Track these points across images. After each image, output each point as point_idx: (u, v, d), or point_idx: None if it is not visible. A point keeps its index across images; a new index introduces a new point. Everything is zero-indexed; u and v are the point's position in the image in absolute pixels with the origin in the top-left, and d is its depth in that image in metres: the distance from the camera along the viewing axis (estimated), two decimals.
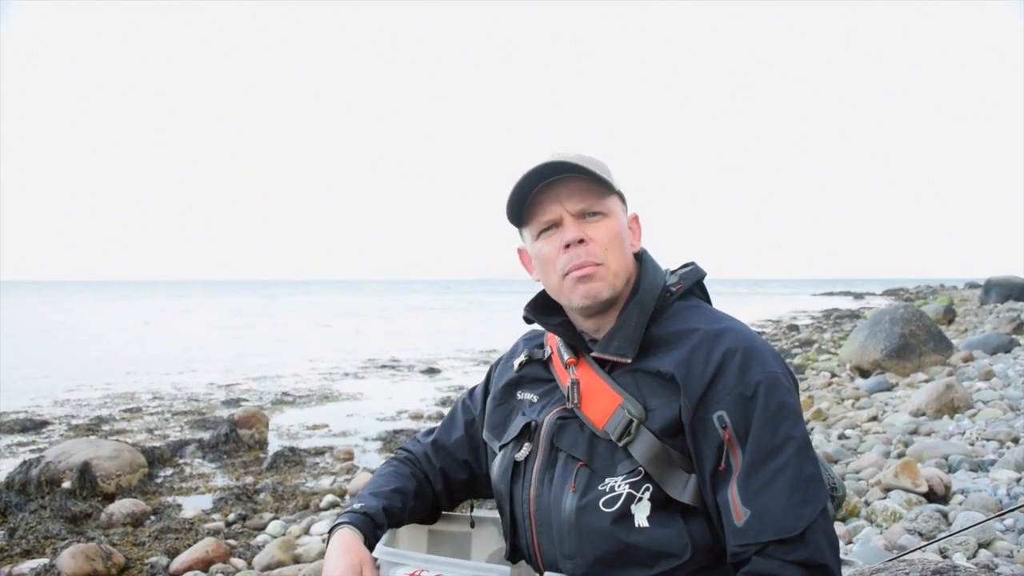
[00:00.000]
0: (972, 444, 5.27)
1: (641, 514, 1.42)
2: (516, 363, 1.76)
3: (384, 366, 16.45)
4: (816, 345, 16.71)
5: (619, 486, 1.43)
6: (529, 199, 1.56)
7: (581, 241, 1.51)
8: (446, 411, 10.47)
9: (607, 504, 1.43)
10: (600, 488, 1.45)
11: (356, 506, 1.65)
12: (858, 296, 58.65)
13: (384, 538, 1.63)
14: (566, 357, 1.62)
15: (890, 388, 8.54)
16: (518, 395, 1.72)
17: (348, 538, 1.54)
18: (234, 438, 8.03)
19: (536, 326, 1.73)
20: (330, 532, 1.60)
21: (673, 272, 1.68)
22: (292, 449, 7.77)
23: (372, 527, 1.61)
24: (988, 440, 5.32)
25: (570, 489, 1.48)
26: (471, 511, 1.93)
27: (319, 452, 7.94)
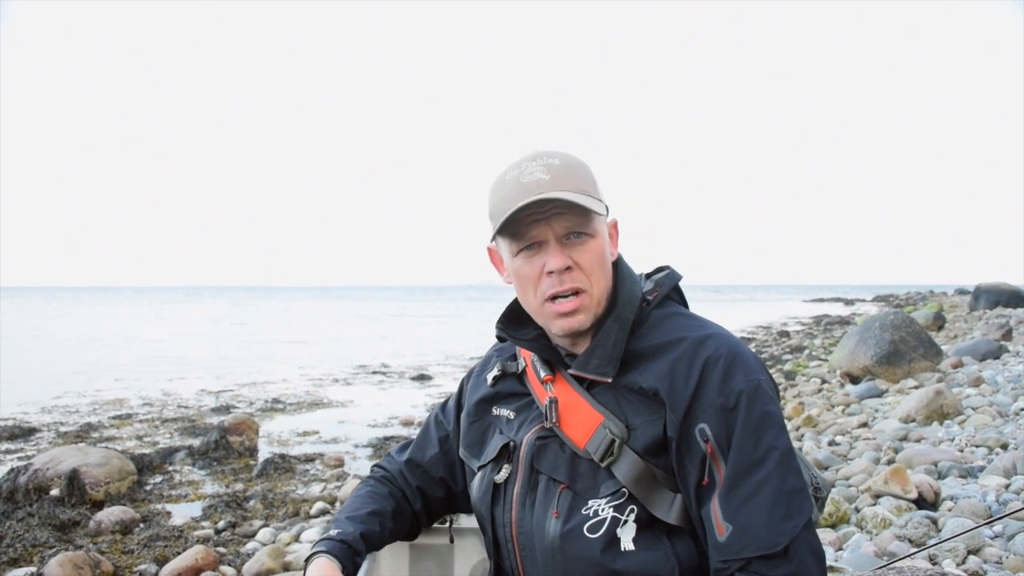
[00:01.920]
0: (961, 450, 5.29)
1: (627, 537, 1.38)
2: (489, 378, 1.70)
3: (374, 372, 16.43)
4: (806, 351, 16.77)
5: (603, 510, 1.40)
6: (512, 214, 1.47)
7: (568, 268, 1.45)
8: None
9: (591, 530, 1.39)
10: (584, 512, 1.41)
11: (333, 532, 1.59)
12: (848, 302, 58.87)
13: (364, 566, 1.59)
14: (543, 374, 1.56)
15: (880, 394, 8.56)
16: (493, 411, 1.67)
17: (325, 568, 1.49)
18: (224, 445, 8.00)
19: None
20: (307, 561, 1.54)
21: (648, 277, 1.63)
22: (282, 456, 7.75)
23: (350, 554, 1.56)
24: (977, 446, 5.34)
25: (552, 514, 1.44)
26: (450, 525, 1.89)
27: (309, 459, 7.92)
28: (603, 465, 1.42)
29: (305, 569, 1.53)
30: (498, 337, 1.68)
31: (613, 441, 1.41)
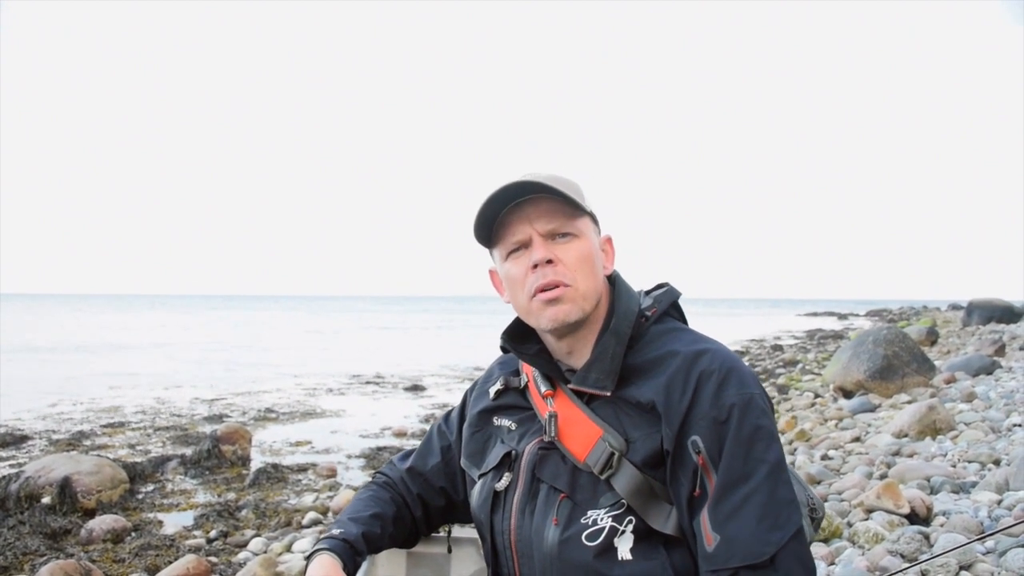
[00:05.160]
0: (954, 466, 5.30)
1: (624, 547, 1.40)
2: (492, 391, 1.72)
3: (368, 383, 16.39)
4: (800, 365, 16.79)
5: (602, 519, 1.41)
6: (498, 220, 1.53)
7: (549, 261, 1.48)
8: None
9: (590, 538, 1.41)
10: (583, 521, 1.43)
11: (335, 532, 1.62)
12: (842, 317, 59.07)
13: (363, 567, 1.61)
14: (543, 389, 1.58)
15: (873, 409, 8.58)
16: (495, 421, 1.69)
17: (328, 565, 1.52)
18: (216, 454, 7.98)
19: None
20: (308, 558, 1.57)
21: (647, 294, 1.65)
22: (275, 465, 7.74)
23: (351, 554, 1.58)
24: (970, 462, 5.35)
25: (552, 521, 1.45)
26: (449, 534, 1.90)
27: (302, 469, 7.90)
28: (602, 477, 1.43)
29: (307, 565, 1.55)
30: (502, 348, 1.70)
31: (612, 454, 1.43)
